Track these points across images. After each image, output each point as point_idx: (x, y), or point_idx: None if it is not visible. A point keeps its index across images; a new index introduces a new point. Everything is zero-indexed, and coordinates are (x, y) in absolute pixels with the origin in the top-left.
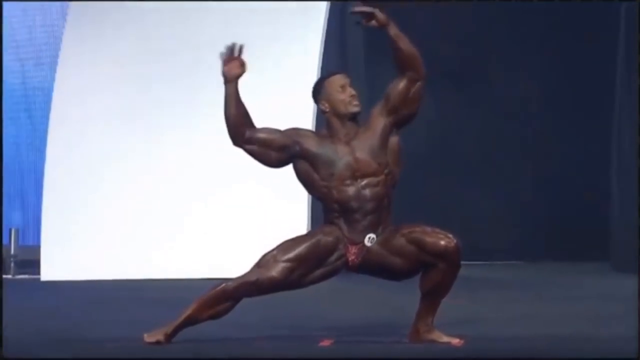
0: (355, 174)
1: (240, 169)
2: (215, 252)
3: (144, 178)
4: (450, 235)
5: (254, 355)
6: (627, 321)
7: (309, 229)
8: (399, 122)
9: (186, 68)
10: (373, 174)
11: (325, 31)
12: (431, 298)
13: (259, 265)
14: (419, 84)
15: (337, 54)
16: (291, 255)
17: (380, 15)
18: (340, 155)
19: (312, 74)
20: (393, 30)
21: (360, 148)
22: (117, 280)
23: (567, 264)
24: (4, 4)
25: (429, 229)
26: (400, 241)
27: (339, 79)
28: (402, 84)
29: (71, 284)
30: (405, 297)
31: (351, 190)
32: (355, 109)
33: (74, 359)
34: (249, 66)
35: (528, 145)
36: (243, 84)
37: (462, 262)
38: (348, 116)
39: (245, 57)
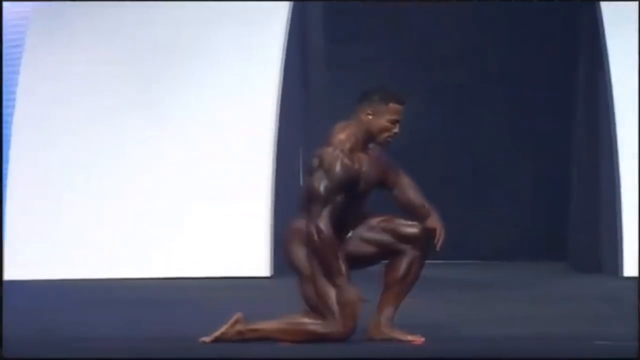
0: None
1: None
2: (185, 252)
3: (110, 177)
4: (418, 223)
5: (247, 355)
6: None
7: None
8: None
9: (154, 70)
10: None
11: (287, 33)
12: (396, 290)
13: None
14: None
15: (298, 56)
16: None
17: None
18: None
19: (274, 79)
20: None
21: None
22: (80, 279)
23: (523, 264)
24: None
25: (398, 218)
26: (373, 230)
27: (399, 111)
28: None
29: (33, 283)
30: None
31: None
32: (385, 144)
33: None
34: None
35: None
36: (205, 91)
37: (437, 262)
38: (374, 142)
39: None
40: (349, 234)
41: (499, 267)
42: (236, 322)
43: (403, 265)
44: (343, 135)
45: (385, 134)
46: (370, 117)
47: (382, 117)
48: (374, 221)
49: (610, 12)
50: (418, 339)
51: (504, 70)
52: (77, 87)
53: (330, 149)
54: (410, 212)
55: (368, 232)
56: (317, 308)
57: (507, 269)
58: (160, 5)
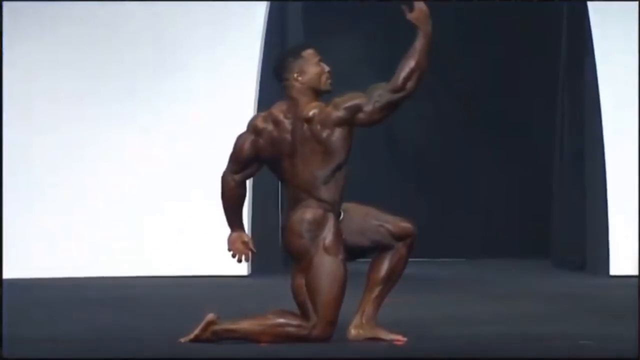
0: None
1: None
2: (163, 250)
3: (87, 175)
4: (409, 220)
5: (245, 355)
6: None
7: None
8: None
9: (135, 66)
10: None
11: (265, 31)
12: (380, 288)
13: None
14: (398, 95)
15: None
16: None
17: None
18: None
19: (252, 75)
20: (423, 40)
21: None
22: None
23: (507, 261)
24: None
25: (386, 213)
26: (364, 222)
27: (315, 53)
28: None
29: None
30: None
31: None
32: (330, 87)
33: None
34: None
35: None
36: (187, 86)
37: (419, 259)
38: (322, 92)
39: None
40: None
41: (482, 265)
42: (209, 324)
43: (388, 263)
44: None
45: (324, 77)
46: (300, 77)
47: (309, 68)
48: (363, 212)
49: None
50: (400, 338)
51: (484, 63)
52: (54, 82)
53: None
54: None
55: (361, 225)
56: (302, 303)
57: (490, 267)
58: (143, 4)
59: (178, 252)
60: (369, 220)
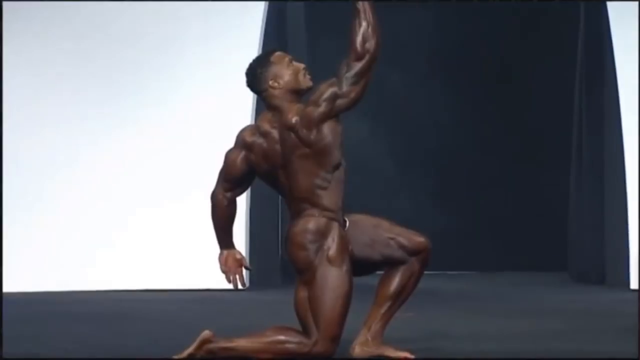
0: None
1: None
2: (156, 263)
3: (75, 184)
4: (424, 235)
5: None
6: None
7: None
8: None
9: (124, 66)
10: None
11: (263, 31)
12: (389, 304)
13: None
14: (364, 60)
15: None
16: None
17: None
18: None
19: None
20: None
21: None
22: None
23: (522, 274)
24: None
25: (399, 226)
26: (374, 235)
27: (283, 54)
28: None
29: None
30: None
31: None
32: (310, 83)
33: None
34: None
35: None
36: (181, 86)
37: (432, 272)
38: (303, 91)
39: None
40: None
41: (495, 278)
42: (204, 341)
43: (400, 278)
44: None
45: (301, 75)
46: (276, 83)
47: (282, 71)
48: (374, 224)
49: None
50: (408, 356)
51: (495, 65)
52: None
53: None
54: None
55: (369, 238)
56: (304, 318)
57: (504, 280)
58: (141, 4)
59: (172, 265)
60: (380, 232)
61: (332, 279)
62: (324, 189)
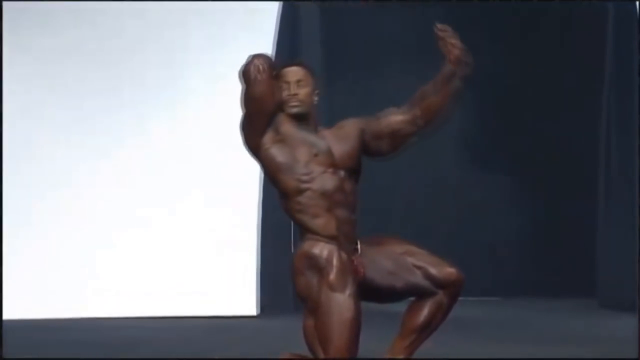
0: (335, 162)
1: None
2: (164, 289)
3: (77, 204)
4: (455, 265)
5: None
6: None
7: None
8: (371, 150)
9: (133, 72)
10: (349, 168)
11: (277, 33)
12: (413, 337)
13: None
14: (415, 134)
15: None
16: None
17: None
18: (312, 141)
19: None
20: (455, 83)
21: (331, 140)
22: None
23: (546, 300)
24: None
25: (428, 254)
26: (400, 262)
27: (286, 73)
28: (403, 120)
29: None
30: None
31: (332, 180)
32: (293, 110)
33: None
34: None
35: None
36: (193, 89)
37: None
38: (291, 116)
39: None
40: (370, 258)
41: (519, 304)
42: None
43: (428, 311)
44: None
45: (284, 101)
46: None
47: (279, 89)
48: (400, 250)
49: None
50: None
51: (518, 67)
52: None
53: None
54: (429, 110)
55: (395, 264)
56: (313, 345)
57: (527, 306)
58: (148, 3)
59: (179, 291)
60: (405, 258)
61: (336, 304)
62: (302, 212)
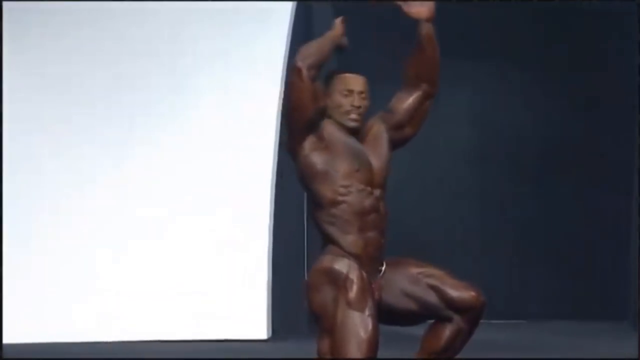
0: (373, 180)
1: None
2: (171, 312)
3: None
4: (475, 289)
5: None
6: None
7: None
8: (397, 142)
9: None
10: (383, 186)
11: (290, 33)
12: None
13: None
14: (430, 101)
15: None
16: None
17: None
18: (356, 153)
19: (277, 79)
20: (427, 28)
21: (371, 154)
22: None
23: (575, 323)
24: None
25: (446, 275)
26: (417, 284)
27: (350, 81)
28: (412, 98)
29: None
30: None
31: (369, 199)
32: (351, 124)
33: None
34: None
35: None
36: (206, 89)
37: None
38: (344, 125)
39: None
40: (387, 280)
41: (548, 327)
42: None
43: (446, 335)
44: None
45: (344, 114)
46: (327, 100)
47: (333, 95)
48: (417, 271)
49: None
50: None
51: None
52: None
53: None
54: (424, 67)
55: (411, 286)
56: None
57: (557, 329)
58: (159, 4)
59: (188, 314)
60: (422, 279)
61: (353, 324)
62: (333, 225)
